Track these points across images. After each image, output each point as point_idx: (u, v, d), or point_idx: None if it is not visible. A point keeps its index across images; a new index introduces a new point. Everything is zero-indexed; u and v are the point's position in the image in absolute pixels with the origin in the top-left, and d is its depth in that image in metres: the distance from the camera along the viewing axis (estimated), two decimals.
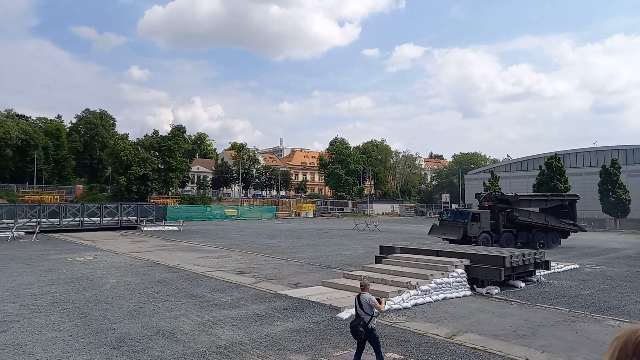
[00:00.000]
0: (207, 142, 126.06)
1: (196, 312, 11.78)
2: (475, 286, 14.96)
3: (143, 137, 75.29)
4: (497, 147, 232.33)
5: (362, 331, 7.50)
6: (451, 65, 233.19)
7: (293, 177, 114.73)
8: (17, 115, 79.47)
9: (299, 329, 10.45)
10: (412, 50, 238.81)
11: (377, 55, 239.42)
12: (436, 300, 13.45)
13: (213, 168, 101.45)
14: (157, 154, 72.58)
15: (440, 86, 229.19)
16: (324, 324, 10.84)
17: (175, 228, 39.64)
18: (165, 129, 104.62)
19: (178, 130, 76.10)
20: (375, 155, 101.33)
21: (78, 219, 36.45)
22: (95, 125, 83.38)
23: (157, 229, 38.87)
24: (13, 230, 30.13)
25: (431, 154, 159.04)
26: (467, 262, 15.53)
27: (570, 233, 31.33)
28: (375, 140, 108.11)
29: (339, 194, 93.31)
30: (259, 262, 21.17)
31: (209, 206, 67.85)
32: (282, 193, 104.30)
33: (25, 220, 33.48)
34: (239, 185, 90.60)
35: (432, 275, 14.32)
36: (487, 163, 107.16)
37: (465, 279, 14.89)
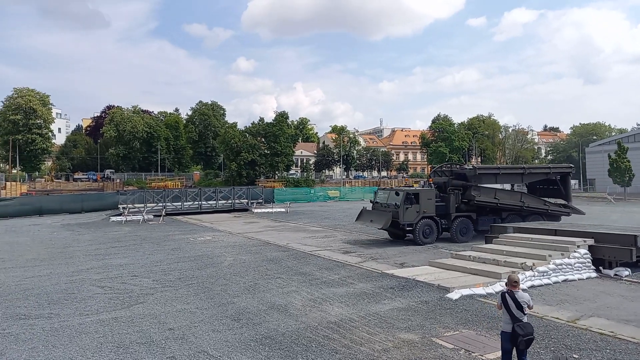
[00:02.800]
0: (309, 127, 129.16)
1: (306, 289, 12.27)
2: (601, 268, 13.64)
3: (250, 125, 79.36)
4: (625, 115, 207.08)
5: (532, 339, 6.28)
6: (568, 27, 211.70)
7: (394, 157, 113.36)
8: (142, 110, 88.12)
9: (407, 308, 10.40)
10: (523, 14, 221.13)
11: (484, 24, 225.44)
12: (555, 283, 12.52)
13: (315, 151, 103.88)
14: (264, 140, 76.11)
15: (556, 52, 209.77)
16: (432, 304, 10.67)
17: (283, 210, 41.42)
18: (270, 116, 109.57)
19: (282, 117, 78.86)
20: (482, 130, 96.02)
21: (197, 202, 39.73)
22: (208, 116, 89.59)
23: (266, 210, 40.96)
24: (144, 214, 33.78)
25: (545, 126, 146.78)
26: (590, 241, 14.19)
27: (561, 217, 23.13)
28: (482, 115, 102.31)
29: None
30: (363, 242, 21.38)
31: (313, 188, 69.69)
32: (384, 174, 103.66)
33: (153, 204, 37.29)
34: (340, 167, 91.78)
35: (550, 255, 13.33)
36: (613, 133, 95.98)
37: (589, 259, 13.63)
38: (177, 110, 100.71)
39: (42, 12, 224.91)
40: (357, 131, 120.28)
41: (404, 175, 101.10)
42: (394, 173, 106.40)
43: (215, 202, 40.67)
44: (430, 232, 19.89)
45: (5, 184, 54.95)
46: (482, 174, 21.69)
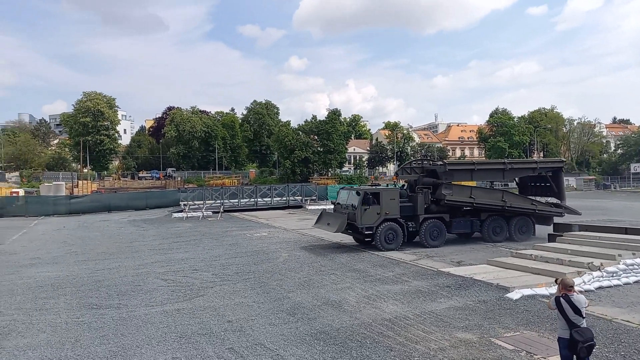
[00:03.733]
0: (362, 123, 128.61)
1: (360, 286, 12.27)
2: None
3: (303, 123, 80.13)
4: None
5: (593, 345, 5.93)
6: (636, 14, 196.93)
7: (450, 153, 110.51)
8: (200, 111, 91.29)
9: (464, 307, 10.16)
10: (587, 1, 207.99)
11: (545, 12, 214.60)
12: (626, 284, 11.76)
13: (368, 148, 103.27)
14: (317, 137, 76.64)
15: (621, 41, 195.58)
16: (491, 304, 10.35)
17: None
18: (322, 114, 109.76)
19: (334, 114, 78.99)
20: (543, 124, 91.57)
21: (253, 199, 40.69)
22: (262, 115, 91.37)
23: (320, 207, 41.24)
24: (203, 210, 35.06)
25: (614, 118, 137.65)
26: None
27: (554, 218, 19.95)
28: (544, 108, 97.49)
29: None
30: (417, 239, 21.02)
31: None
32: None
33: (211, 201, 38.62)
34: (394, 164, 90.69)
35: (619, 255, 12.55)
36: None
37: None
38: (232, 110, 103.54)
39: (105, 19, 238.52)
40: (411, 127, 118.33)
41: None
42: None
43: (270, 199, 41.45)
44: (394, 237, 17.66)
45: (78, 182, 58.78)
46: (454, 170, 19.55)
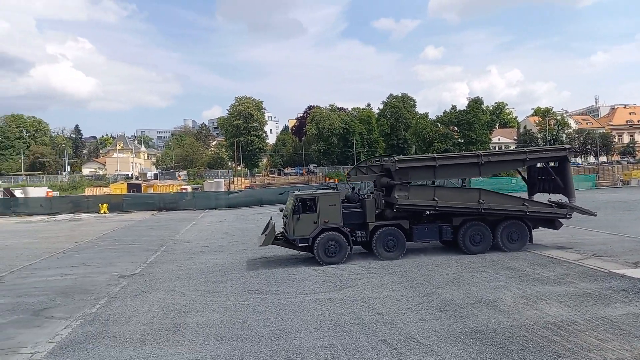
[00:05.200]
0: (507, 111, 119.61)
1: (516, 285, 11.46)
2: None
3: (442, 114, 77.56)
4: None
5: None
6: None
7: (616, 140, 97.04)
8: (338, 108, 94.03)
9: None
10: None
11: None
12: None
13: (515, 137, 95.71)
14: (456, 128, 73.56)
15: None
16: None
17: None
18: (462, 103, 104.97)
19: (475, 103, 75.11)
20: None
21: None
22: (399, 108, 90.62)
23: None
24: None
25: None
26: None
27: (559, 220, 16.42)
28: None
29: None
30: (582, 236, 18.87)
31: (514, 178, 64.45)
32: (602, 159, 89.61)
33: None
34: None
35: None
36: None
37: None
38: (368, 105, 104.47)
39: (252, 28, 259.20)
40: (566, 112, 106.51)
41: (630, 159, 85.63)
42: (616, 158, 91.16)
43: None
44: (336, 250, 14.95)
45: (234, 179, 65.15)
46: (407, 168, 15.89)
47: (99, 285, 13.38)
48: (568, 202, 16.39)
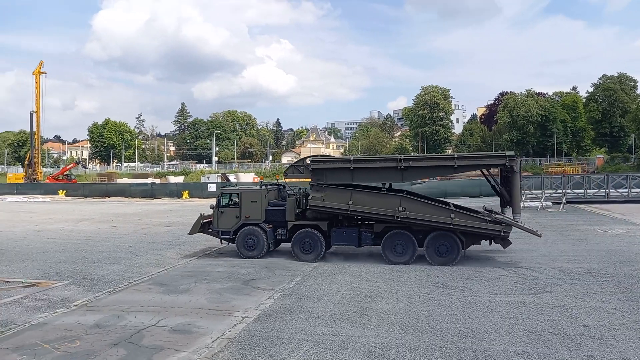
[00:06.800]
0: None
1: None
2: None
3: None
4: None
5: None
6: None
7: None
8: (536, 93, 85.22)
9: None
10: None
11: None
12: None
13: None
14: None
15: None
16: None
17: None
18: None
19: None
20: None
21: (603, 190, 35.18)
22: (614, 91, 77.67)
23: None
24: (542, 201, 32.64)
25: None
26: None
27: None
28: None
29: None
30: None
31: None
32: None
33: (550, 191, 35.53)
34: None
35: None
36: None
37: None
38: (574, 88, 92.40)
39: (443, 15, 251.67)
40: None
41: None
42: None
43: (626, 190, 34.91)
44: (255, 244, 15.43)
45: None
46: (322, 169, 15.28)
47: (295, 263, 14.76)
48: (500, 215, 14.68)
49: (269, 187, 16.77)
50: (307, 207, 15.39)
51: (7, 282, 12.79)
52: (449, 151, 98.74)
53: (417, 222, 14.27)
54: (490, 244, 14.82)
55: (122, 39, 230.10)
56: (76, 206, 43.31)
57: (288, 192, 16.33)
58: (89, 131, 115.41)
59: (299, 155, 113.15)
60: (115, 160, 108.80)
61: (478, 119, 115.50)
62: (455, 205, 15.06)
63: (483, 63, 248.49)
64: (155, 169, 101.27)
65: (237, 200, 15.87)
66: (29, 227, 25.34)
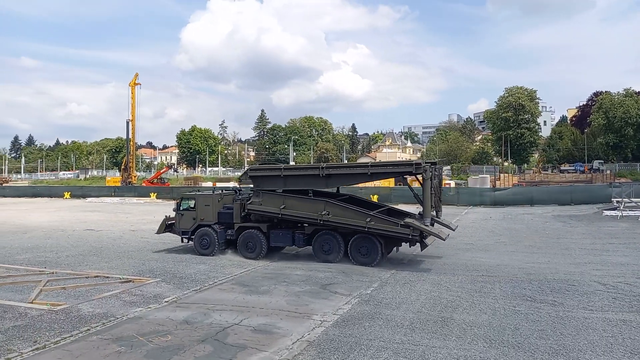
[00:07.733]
0: None
1: None
2: None
3: None
4: None
5: None
6: None
7: None
8: (636, 92, 77.89)
9: None
10: None
11: None
12: None
13: None
14: None
15: None
16: None
17: None
18: None
19: None
20: None
21: None
22: None
23: None
24: None
25: None
26: None
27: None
28: None
29: None
30: None
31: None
32: None
33: None
34: None
35: None
36: None
37: None
38: None
39: (525, 12, 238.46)
40: None
41: None
42: None
43: None
44: (208, 243, 17.25)
45: (500, 175, 61.73)
46: (258, 177, 17.19)
47: (372, 269, 14.66)
48: (409, 219, 15.14)
49: (224, 191, 18.52)
50: (247, 210, 16.91)
51: (107, 277, 13.97)
52: (536, 156, 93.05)
53: (338, 225, 15.53)
54: (410, 246, 15.89)
55: (207, 50, 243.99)
56: (166, 208, 46.19)
57: (239, 196, 17.66)
58: (177, 137, 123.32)
59: (375, 159, 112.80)
60: (200, 165, 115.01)
61: (568, 121, 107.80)
62: (388, 211, 16.68)
63: (572, 61, 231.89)
64: (236, 174, 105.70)
65: (194, 204, 17.75)
66: (125, 227, 27.49)
